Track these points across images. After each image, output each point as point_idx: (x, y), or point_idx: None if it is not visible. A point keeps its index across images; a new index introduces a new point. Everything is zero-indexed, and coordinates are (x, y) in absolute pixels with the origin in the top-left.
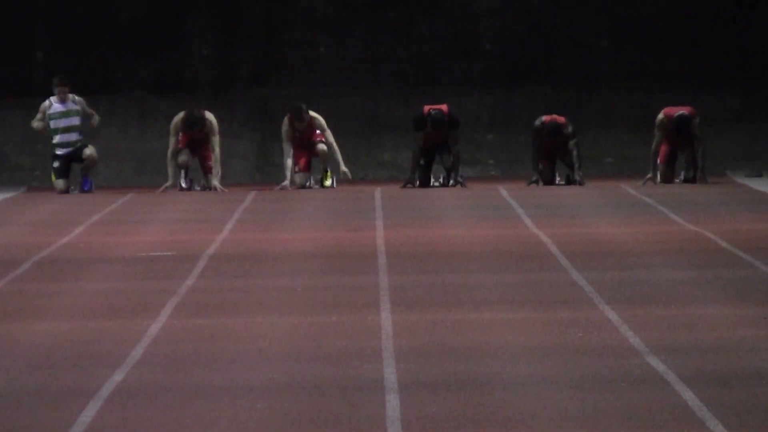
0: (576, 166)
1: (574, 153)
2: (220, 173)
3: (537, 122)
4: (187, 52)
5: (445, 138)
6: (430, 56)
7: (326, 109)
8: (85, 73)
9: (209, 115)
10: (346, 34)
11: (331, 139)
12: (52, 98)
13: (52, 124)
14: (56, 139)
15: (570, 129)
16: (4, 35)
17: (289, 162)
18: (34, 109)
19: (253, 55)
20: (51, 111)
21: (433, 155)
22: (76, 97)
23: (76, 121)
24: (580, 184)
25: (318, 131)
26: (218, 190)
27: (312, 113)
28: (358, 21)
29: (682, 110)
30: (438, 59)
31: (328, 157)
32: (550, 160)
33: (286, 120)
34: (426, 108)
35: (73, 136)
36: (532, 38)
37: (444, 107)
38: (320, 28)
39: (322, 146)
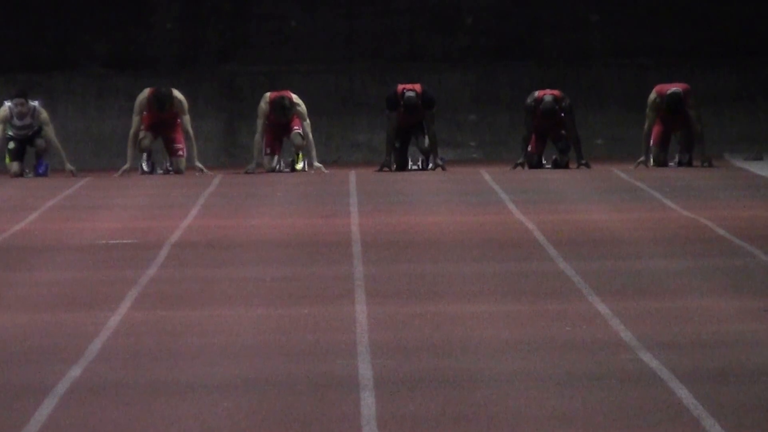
0: (571, 151)
1: (571, 135)
2: (195, 152)
3: (529, 99)
4: (149, 26)
5: (420, 118)
6: (409, 30)
7: (297, 87)
8: (40, 48)
9: (177, 93)
10: (319, 6)
11: (308, 130)
12: (11, 108)
13: (10, 130)
14: (11, 132)
15: (566, 103)
16: None
17: (260, 141)
18: None
19: (220, 29)
20: (11, 122)
21: (409, 137)
22: (37, 108)
23: (33, 127)
24: (587, 166)
25: (298, 119)
26: (203, 171)
27: (295, 99)
28: None
29: (675, 87)
30: (417, 34)
31: (302, 148)
32: (542, 141)
33: (267, 97)
34: (400, 87)
35: (29, 132)
36: (517, 11)
37: (417, 87)
38: (291, 1)
39: (299, 139)
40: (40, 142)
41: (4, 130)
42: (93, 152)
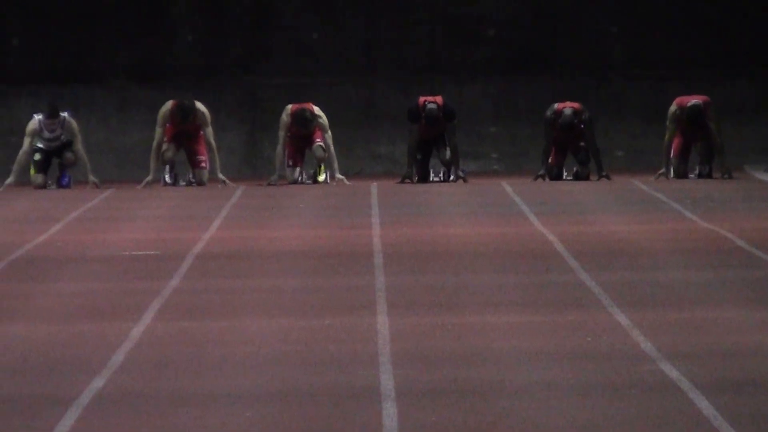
0: (591, 163)
1: (591, 147)
2: (218, 164)
3: (549, 112)
4: (171, 38)
5: (442, 130)
6: (429, 42)
7: (319, 99)
8: (62, 60)
9: (200, 105)
10: (340, 18)
11: (329, 142)
12: (41, 121)
13: (38, 141)
14: (40, 144)
15: (586, 115)
16: None
17: (282, 153)
18: (8, 97)
19: (241, 40)
20: (41, 134)
21: (431, 148)
22: (66, 119)
23: (62, 139)
24: (608, 178)
25: (319, 131)
26: (226, 183)
27: (317, 111)
28: (353, 4)
29: (695, 99)
30: (437, 45)
31: (324, 160)
32: (562, 153)
33: (289, 108)
34: (421, 99)
35: (57, 143)
36: (538, 23)
37: (438, 99)
38: (313, 12)
39: (320, 151)
40: (69, 156)
41: (32, 143)
42: (116, 164)
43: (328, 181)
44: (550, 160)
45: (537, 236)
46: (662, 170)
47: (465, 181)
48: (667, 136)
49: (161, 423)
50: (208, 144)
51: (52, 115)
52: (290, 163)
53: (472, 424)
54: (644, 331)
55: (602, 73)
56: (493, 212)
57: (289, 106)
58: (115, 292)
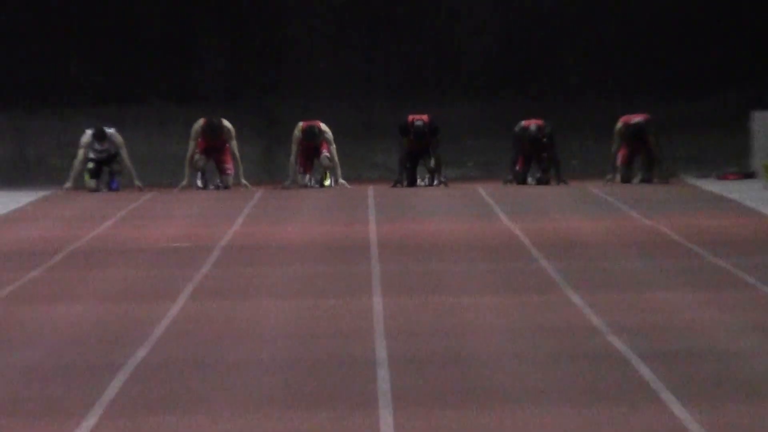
0: (552, 170)
1: (552, 157)
2: (241, 171)
3: (517, 128)
4: (203, 66)
5: (428, 143)
6: (418, 70)
7: (325, 117)
8: (114, 84)
9: (226, 123)
10: (344, 51)
11: (334, 153)
12: (92, 136)
13: (91, 152)
14: (92, 155)
15: (548, 129)
16: (43, 51)
17: (294, 163)
18: (69, 118)
19: (261, 69)
20: (92, 146)
21: (418, 158)
22: (113, 134)
23: (110, 151)
24: (565, 183)
25: (326, 143)
26: (248, 187)
27: (323, 127)
28: (355, 40)
29: (638, 117)
30: (425, 73)
31: (330, 168)
32: (527, 162)
33: (300, 125)
34: (410, 117)
35: (106, 155)
36: (509, 54)
37: (425, 117)
38: (320, 46)
39: (327, 161)
40: (116, 167)
41: (86, 153)
42: (156, 171)
43: (333, 185)
44: (517, 168)
45: (506, 231)
46: (610, 176)
47: (446, 185)
48: (614, 148)
49: (194, 385)
50: (233, 155)
51: (100, 138)
52: (301, 170)
53: (452, 387)
54: (595, 310)
55: (562, 96)
56: (470, 212)
57: (301, 123)
58: (155, 277)
